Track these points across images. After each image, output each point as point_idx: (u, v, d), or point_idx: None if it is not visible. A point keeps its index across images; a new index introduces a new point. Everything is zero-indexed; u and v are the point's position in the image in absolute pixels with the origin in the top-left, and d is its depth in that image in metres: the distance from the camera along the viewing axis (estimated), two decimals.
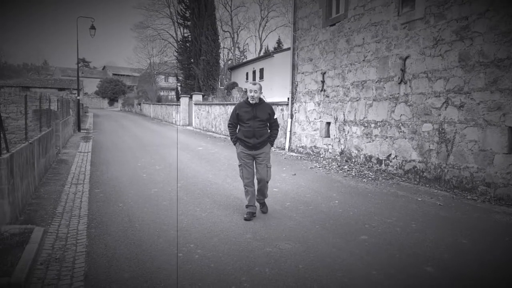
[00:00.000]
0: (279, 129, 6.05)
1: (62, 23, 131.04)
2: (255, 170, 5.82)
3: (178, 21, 40.84)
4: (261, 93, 5.74)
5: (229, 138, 5.93)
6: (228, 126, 5.92)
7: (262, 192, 5.92)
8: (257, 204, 5.98)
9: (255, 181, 5.89)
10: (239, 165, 5.81)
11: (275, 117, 5.90)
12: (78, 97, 25.29)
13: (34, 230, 4.77)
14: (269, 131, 5.90)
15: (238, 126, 5.85)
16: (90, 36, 24.62)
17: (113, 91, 63.42)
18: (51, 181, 8.29)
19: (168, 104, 35.10)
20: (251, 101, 5.64)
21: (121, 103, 61.20)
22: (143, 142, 16.66)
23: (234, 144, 5.88)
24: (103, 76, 70.12)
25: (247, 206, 5.80)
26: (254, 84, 5.72)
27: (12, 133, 11.25)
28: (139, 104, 48.78)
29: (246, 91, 28.90)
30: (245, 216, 5.66)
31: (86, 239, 4.86)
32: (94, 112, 47.27)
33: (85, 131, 22.53)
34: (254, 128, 5.62)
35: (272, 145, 5.91)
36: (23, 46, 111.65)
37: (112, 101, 64.35)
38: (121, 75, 70.33)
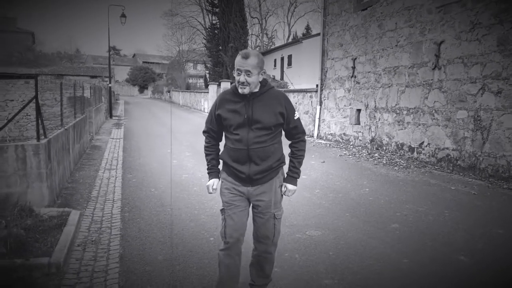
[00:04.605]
0: (303, 134, 3.05)
1: (93, 12, 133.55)
2: (253, 223, 3.06)
3: (207, 8, 40.80)
4: (262, 73, 2.82)
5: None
6: (204, 135, 3.12)
7: (261, 266, 3.15)
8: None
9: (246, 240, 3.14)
10: (221, 211, 2.99)
11: (295, 117, 2.96)
12: (109, 85, 25.83)
13: (71, 213, 4.96)
14: (285, 146, 3.03)
15: (223, 136, 3.08)
16: (121, 24, 25.02)
17: (143, 78, 64.45)
18: (85, 166, 8.55)
19: (196, 92, 35.42)
20: (241, 90, 2.78)
21: (151, 90, 62.14)
22: (173, 129, 16.89)
23: (209, 172, 3.07)
24: (133, 64, 71.27)
25: None
26: (246, 56, 2.72)
27: (48, 119, 11.58)
28: (169, 91, 49.39)
29: (270, 76, 28.56)
30: None
31: (120, 222, 5.01)
32: (125, 99, 48.16)
33: (117, 118, 23.02)
34: (250, 144, 2.81)
35: (296, 175, 3.04)
36: (56, 35, 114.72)
37: (142, 88, 65.43)
38: (151, 62, 71.25)
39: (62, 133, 6.86)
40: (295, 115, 2.97)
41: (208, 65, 40.25)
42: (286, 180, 3.06)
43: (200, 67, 57.36)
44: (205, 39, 41.11)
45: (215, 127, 3.01)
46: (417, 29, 9.13)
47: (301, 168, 3.07)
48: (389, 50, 10.13)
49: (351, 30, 11.81)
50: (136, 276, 3.58)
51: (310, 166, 8.56)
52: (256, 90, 2.84)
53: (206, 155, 3.09)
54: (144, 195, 6.30)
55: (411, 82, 9.37)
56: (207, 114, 2.90)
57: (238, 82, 2.76)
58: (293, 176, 3.04)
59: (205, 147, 3.09)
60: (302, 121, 15.13)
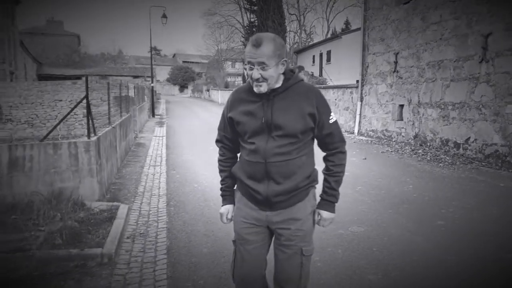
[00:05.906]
0: (342, 143, 2.27)
1: (135, 13, 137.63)
2: (274, 260, 2.29)
3: (245, 6, 41.07)
4: (282, 62, 2.08)
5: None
6: (217, 145, 2.43)
7: None
8: None
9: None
10: (233, 242, 2.34)
11: (331, 120, 2.19)
12: (152, 84, 26.51)
13: (119, 207, 5.19)
14: (320, 159, 2.34)
15: (240, 145, 2.30)
16: (162, 25, 25.62)
17: (183, 78, 65.74)
18: (131, 163, 8.87)
19: None
20: (256, 89, 2.09)
21: (190, 89, 63.28)
22: (213, 127, 17.13)
23: (223, 195, 2.41)
24: (174, 64, 72.68)
25: None
26: (258, 44, 2.00)
27: (94, 118, 12.08)
28: (208, 90, 50.14)
29: (309, 73, 28.27)
30: None
31: (166, 216, 5.19)
32: (166, 98, 49.29)
33: (159, 116, 23.62)
34: (268, 156, 2.11)
35: (334, 199, 2.31)
36: (100, 36, 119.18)
37: (182, 87, 66.73)
38: (191, 62, 72.42)
39: (110, 131, 7.16)
40: (331, 117, 2.18)
41: None
42: (320, 205, 2.31)
43: (239, 65, 57.77)
44: (243, 37, 41.42)
45: (230, 135, 2.31)
46: (463, 21, 8.82)
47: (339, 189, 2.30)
48: (433, 44, 9.85)
49: (393, 24, 11.56)
50: (183, 267, 3.71)
51: (351, 163, 8.49)
52: (278, 85, 2.13)
53: (220, 171, 2.41)
54: (188, 190, 6.48)
55: (457, 76, 9.08)
56: None
57: (252, 78, 2.07)
58: (329, 199, 2.29)
59: (219, 160, 2.41)
60: (342, 117, 14.82)
